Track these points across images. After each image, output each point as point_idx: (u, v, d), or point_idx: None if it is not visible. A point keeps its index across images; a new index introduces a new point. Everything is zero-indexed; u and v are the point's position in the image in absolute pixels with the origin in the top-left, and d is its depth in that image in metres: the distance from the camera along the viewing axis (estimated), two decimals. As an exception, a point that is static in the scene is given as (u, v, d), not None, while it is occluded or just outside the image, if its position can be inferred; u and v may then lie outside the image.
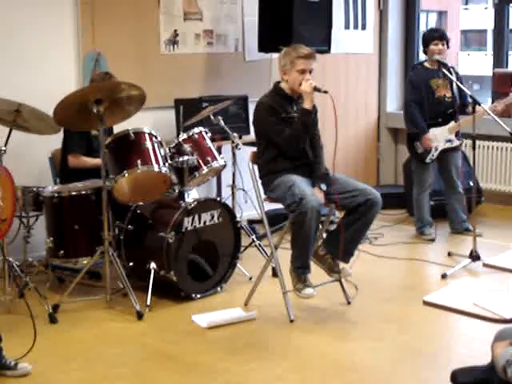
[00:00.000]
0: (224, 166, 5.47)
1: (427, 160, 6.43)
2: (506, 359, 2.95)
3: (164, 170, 4.99)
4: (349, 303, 4.97)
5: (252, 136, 5.18)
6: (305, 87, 4.71)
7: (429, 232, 6.60)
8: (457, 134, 6.44)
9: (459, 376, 3.42)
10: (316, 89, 4.71)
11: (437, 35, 6.40)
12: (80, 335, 4.57)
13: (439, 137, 6.38)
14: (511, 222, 7.16)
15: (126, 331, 4.62)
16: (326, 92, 4.69)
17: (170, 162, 5.08)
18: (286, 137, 4.73)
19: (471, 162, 6.08)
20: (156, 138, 5.08)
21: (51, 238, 5.09)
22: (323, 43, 6.64)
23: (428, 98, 6.40)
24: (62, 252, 5.07)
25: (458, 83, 6.18)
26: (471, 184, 6.05)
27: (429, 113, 6.40)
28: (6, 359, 3.93)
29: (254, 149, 5.00)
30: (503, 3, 7.71)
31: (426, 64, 6.53)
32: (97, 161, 5.05)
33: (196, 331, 4.59)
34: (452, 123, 6.40)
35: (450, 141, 6.41)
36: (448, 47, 6.45)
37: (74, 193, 5.08)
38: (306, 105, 4.74)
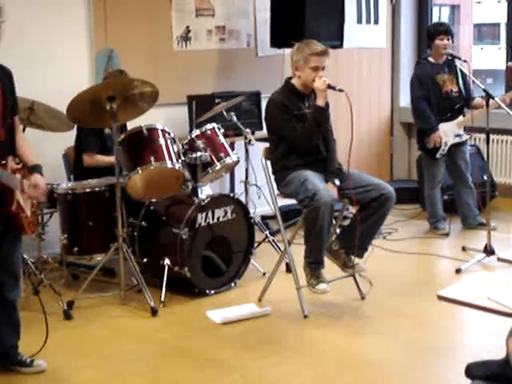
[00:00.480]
0: (237, 162, 5.47)
1: (438, 155, 6.40)
2: (521, 354, 2.94)
3: (177, 166, 5.00)
4: (363, 298, 4.97)
5: (265, 132, 5.18)
6: (318, 84, 4.70)
7: (443, 227, 6.58)
8: (465, 129, 6.42)
9: (474, 369, 3.41)
10: (330, 87, 4.70)
11: (442, 29, 6.34)
12: (95, 332, 4.59)
13: (448, 132, 6.35)
14: (525, 216, 7.14)
15: (141, 327, 4.63)
16: (341, 90, 4.66)
17: (183, 158, 5.09)
18: (299, 134, 4.72)
19: (485, 156, 6.06)
20: (169, 134, 5.08)
21: (65, 235, 5.11)
22: (336, 38, 6.62)
23: (435, 94, 6.36)
24: (76, 249, 5.09)
25: (472, 77, 6.14)
26: (485, 178, 6.03)
27: (437, 108, 6.37)
28: (21, 356, 3.95)
29: (267, 144, 4.99)
30: (516, -4, 7.67)
31: (430, 59, 6.48)
32: (112, 159, 5.07)
33: (210, 327, 4.60)
34: (460, 118, 6.37)
35: (458, 135, 6.39)
36: (453, 41, 6.40)
37: (87, 190, 5.09)
38: (319, 102, 4.73)
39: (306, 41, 4.87)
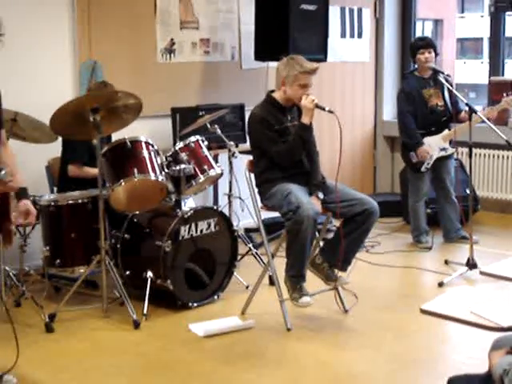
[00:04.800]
0: (221, 175, 5.47)
1: (422, 169, 6.42)
2: (503, 368, 2.93)
3: (161, 178, 4.99)
4: (346, 311, 4.96)
5: (248, 144, 5.18)
6: (306, 103, 4.68)
7: (425, 240, 6.60)
8: (450, 142, 6.45)
9: (456, 383, 3.41)
10: (319, 107, 4.69)
11: (422, 44, 6.39)
12: (76, 344, 4.55)
13: (433, 145, 6.38)
14: (508, 229, 7.17)
15: (123, 340, 4.61)
16: (331, 112, 4.65)
17: (166, 170, 5.08)
18: (281, 151, 4.71)
19: (467, 170, 6.08)
20: (152, 146, 5.07)
21: (48, 247, 5.08)
22: (319, 52, 6.64)
23: (421, 108, 6.40)
24: (58, 261, 5.06)
25: (454, 91, 6.18)
26: (468, 192, 6.06)
27: (422, 122, 6.40)
28: None
29: (251, 157, 5.00)
30: (499, 11, 7.72)
31: (416, 73, 6.53)
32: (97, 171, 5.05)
33: (193, 340, 4.58)
34: (446, 131, 6.40)
35: (444, 149, 6.42)
36: (436, 54, 6.44)
37: (70, 201, 5.07)
38: (305, 120, 4.71)
39: (296, 57, 4.81)
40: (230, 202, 5.93)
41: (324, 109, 4.69)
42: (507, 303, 4.29)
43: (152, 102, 5.81)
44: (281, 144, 4.73)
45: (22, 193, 3.67)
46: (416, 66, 6.54)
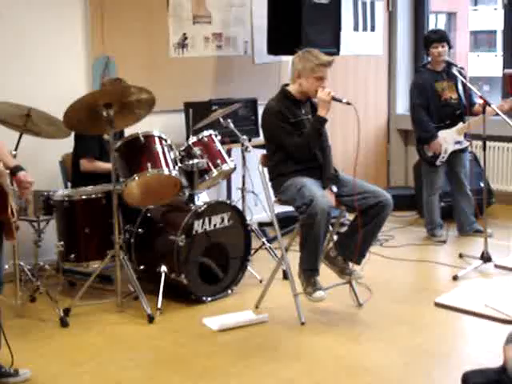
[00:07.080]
0: (234, 169, 5.47)
1: (437, 163, 6.40)
2: (518, 361, 2.93)
3: (174, 173, 5.00)
4: (360, 305, 4.96)
5: (261, 139, 5.18)
6: (322, 95, 4.68)
7: (440, 234, 6.58)
8: (465, 135, 6.42)
9: (471, 378, 3.40)
10: (335, 99, 4.68)
11: (436, 37, 6.36)
12: (91, 339, 4.57)
13: (448, 139, 6.35)
14: (522, 222, 7.15)
15: (137, 334, 4.62)
16: (348, 103, 4.65)
17: (179, 165, 5.09)
18: (298, 144, 4.71)
19: (482, 163, 6.06)
20: (166, 141, 5.08)
21: (62, 242, 5.09)
22: (332, 45, 6.62)
23: (435, 101, 6.37)
24: (72, 256, 5.08)
25: (468, 84, 6.15)
26: (482, 185, 6.03)
27: (436, 116, 6.37)
28: (4, 368, 3.85)
29: (264, 151, 4.99)
30: (513, 4, 7.69)
31: (429, 66, 6.50)
32: (110, 166, 5.07)
33: (207, 334, 4.59)
34: (460, 124, 6.37)
35: (458, 142, 6.39)
36: (450, 47, 6.40)
37: (84, 196, 5.08)
38: (322, 113, 4.70)
39: (311, 50, 4.81)
40: (243, 197, 5.93)
41: (341, 101, 4.68)
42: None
43: (165, 97, 5.81)
44: (296, 137, 4.73)
45: (16, 169, 3.76)
46: (429, 59, 6.51)
